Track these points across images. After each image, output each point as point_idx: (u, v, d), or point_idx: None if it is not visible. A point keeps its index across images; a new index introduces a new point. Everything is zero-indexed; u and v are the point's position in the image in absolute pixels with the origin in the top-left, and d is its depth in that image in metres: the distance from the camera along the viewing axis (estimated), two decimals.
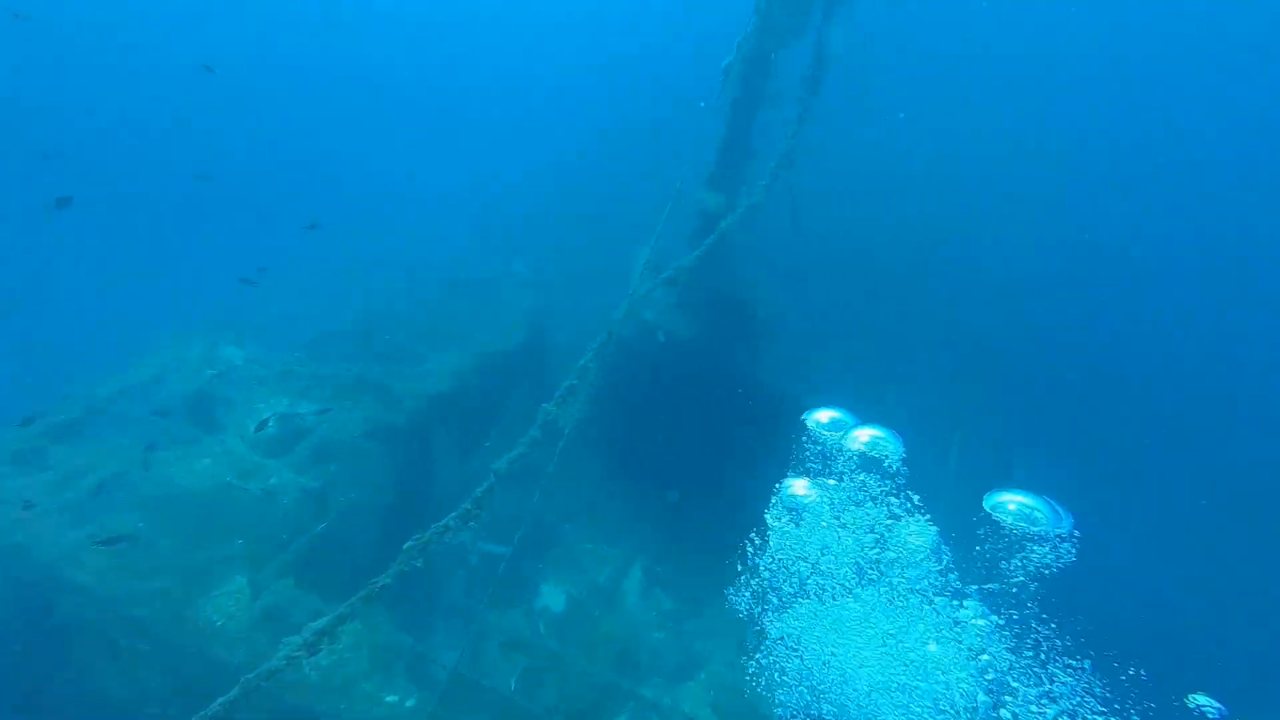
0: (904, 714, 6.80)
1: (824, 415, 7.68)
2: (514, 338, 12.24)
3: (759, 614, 9.37)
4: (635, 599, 11.38)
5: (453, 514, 5.78)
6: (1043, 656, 6.57)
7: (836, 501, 7.52)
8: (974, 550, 6.63)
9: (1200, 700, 6.42)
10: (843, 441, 7.50)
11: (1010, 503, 6.32)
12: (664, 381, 11.53)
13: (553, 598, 11.05)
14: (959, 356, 14.16)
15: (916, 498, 7.03)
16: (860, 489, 7.52)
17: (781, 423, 11.53)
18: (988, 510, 6.34)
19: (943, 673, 6.88)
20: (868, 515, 7.46)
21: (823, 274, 11.96)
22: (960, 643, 6.87)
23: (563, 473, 9.55)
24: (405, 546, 5.46)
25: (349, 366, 10.43)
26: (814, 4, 7.92)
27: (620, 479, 13.02)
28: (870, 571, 7.26)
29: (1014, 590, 6.62)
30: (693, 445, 11.88)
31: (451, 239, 16.98)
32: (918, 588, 7.11)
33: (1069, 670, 6.54)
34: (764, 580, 8.60)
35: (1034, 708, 6.42)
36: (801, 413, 9.67)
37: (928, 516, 7.08)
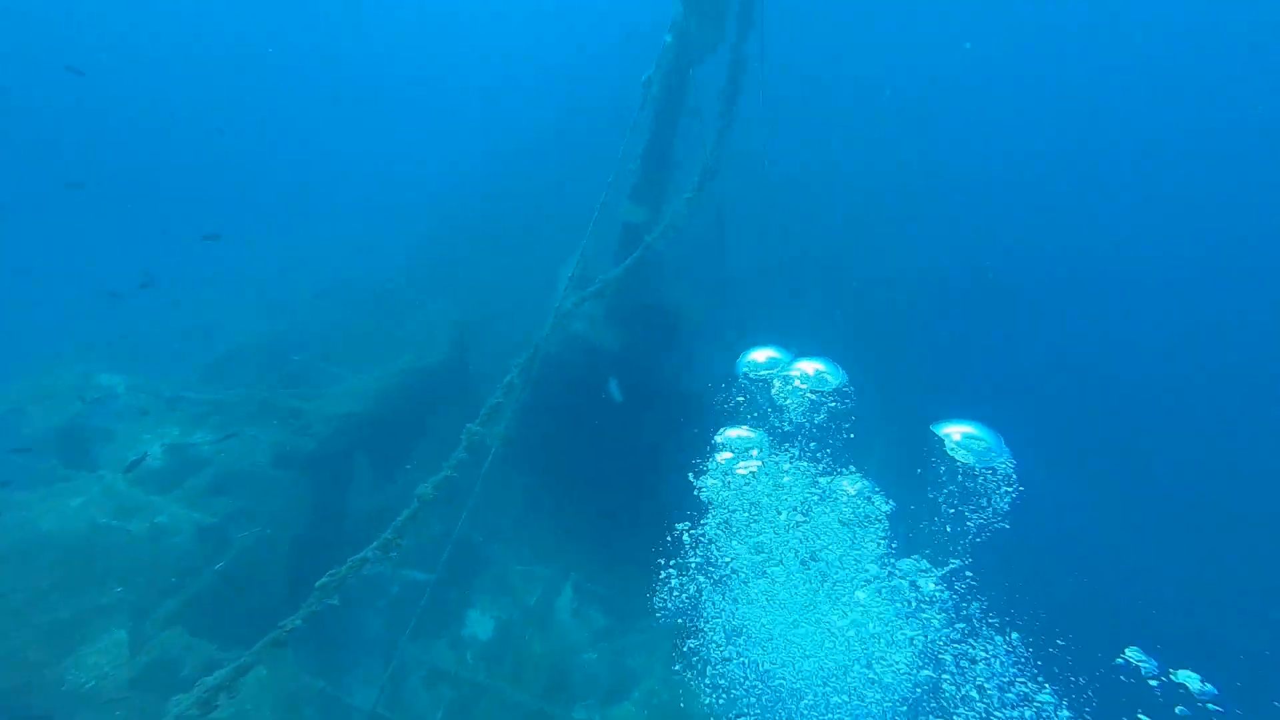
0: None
1: (760, 355, 7.42)
2: (437, 354, 11.74)
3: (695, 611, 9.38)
4: (567, 619, 11.08)
5: (372, 545, 5.39)
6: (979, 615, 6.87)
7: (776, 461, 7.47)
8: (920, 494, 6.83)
9: (1133, 655, 6.76)
10: (783, 376, 7.38)
11: (955, 433, 6.49)
12: (593, 394, 11.39)
13: (480, 624, 10.59)
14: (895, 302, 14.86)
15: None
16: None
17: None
18: (938, 437, 6.50)
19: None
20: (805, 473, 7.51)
21: (751, 280, 12.25)
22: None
23: (490, 492, 9.19)
24: (318, 584, 5.01)
25: (253, 390, 9.63)
26: (728, 20, 8.13)
27: (550, 495, 12.71)
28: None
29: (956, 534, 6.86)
30: (623, 457, 11.78)
31: (367, 252, 16.18)
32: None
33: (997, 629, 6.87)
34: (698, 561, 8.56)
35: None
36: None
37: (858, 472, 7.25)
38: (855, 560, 7.61)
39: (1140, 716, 6.33)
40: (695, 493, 7.71)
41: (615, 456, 11.87)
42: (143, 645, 6.55)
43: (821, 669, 8.04)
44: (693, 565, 10.30)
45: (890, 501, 7.34)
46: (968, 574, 7.23)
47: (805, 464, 7.50)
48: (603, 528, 12.15)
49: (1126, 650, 6.80)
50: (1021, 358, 18.13)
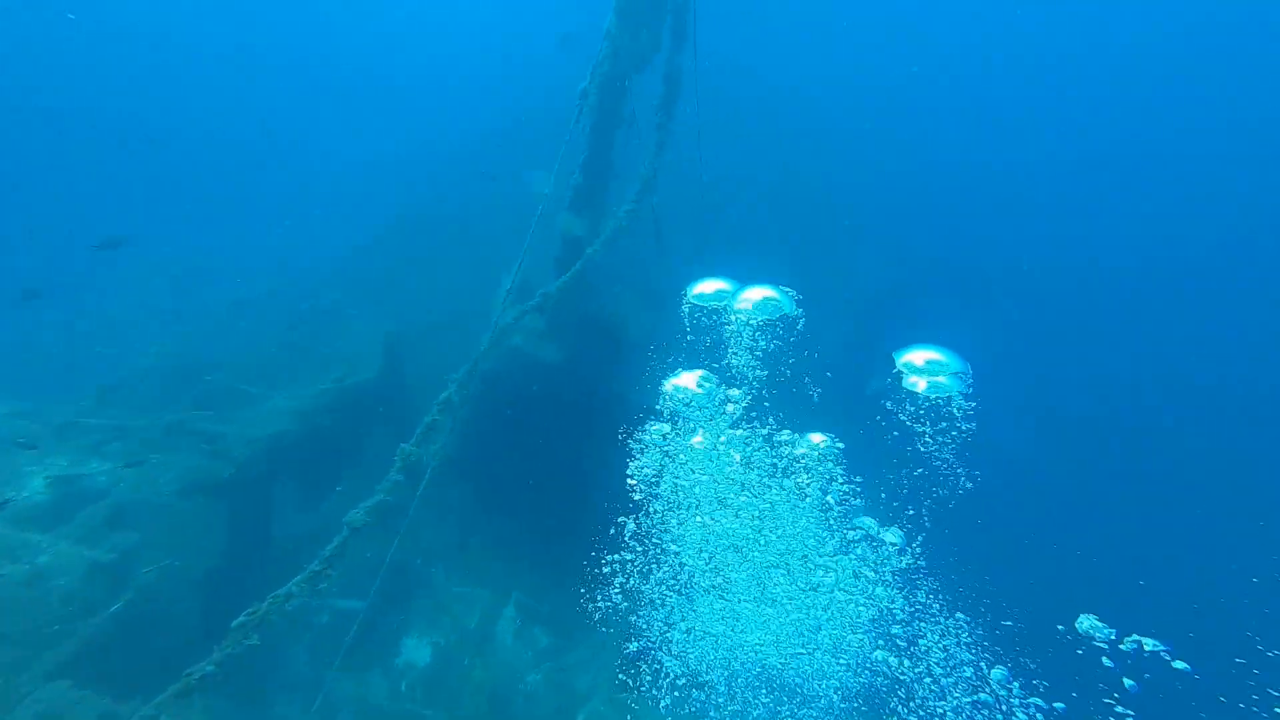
0: None
1: (708, 286, 6.97)
2: (369, 369, 11.18)
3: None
4: (509, 640, 10.72)
5: (297, 577, 4.99)
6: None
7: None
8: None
9: (1089, 623, 6.94)
10: (732, 305, 7.06)
11: (917, 358, 6.44)
12: (531, 408, 11.14)
13: (417, 651, 10.08)
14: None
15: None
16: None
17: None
18: (899, 366, 6.47)
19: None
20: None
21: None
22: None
23: (426, 512, 8.79)
24: (235, 624, 4.58)
25: (160, 414, 8.85)
26: (663, 31, 8.20)
27: (490, 512, 12.31)
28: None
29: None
30: (564, 471, 11.56)
31: (290, 263, 15.29)
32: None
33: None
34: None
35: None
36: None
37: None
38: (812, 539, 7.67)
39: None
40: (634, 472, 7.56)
41: (556, 471, 11.64)
42: (21, 700, 5.82)
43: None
44: (634, 563, 10.23)
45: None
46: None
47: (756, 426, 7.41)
48: (545, 543, 11.87)
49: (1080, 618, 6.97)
50: (991, 287, 18.58)
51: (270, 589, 10.11)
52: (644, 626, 9.84)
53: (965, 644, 7.22)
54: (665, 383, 7.05)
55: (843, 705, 8.13)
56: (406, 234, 17.17)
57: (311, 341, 11.48)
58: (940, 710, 7.16)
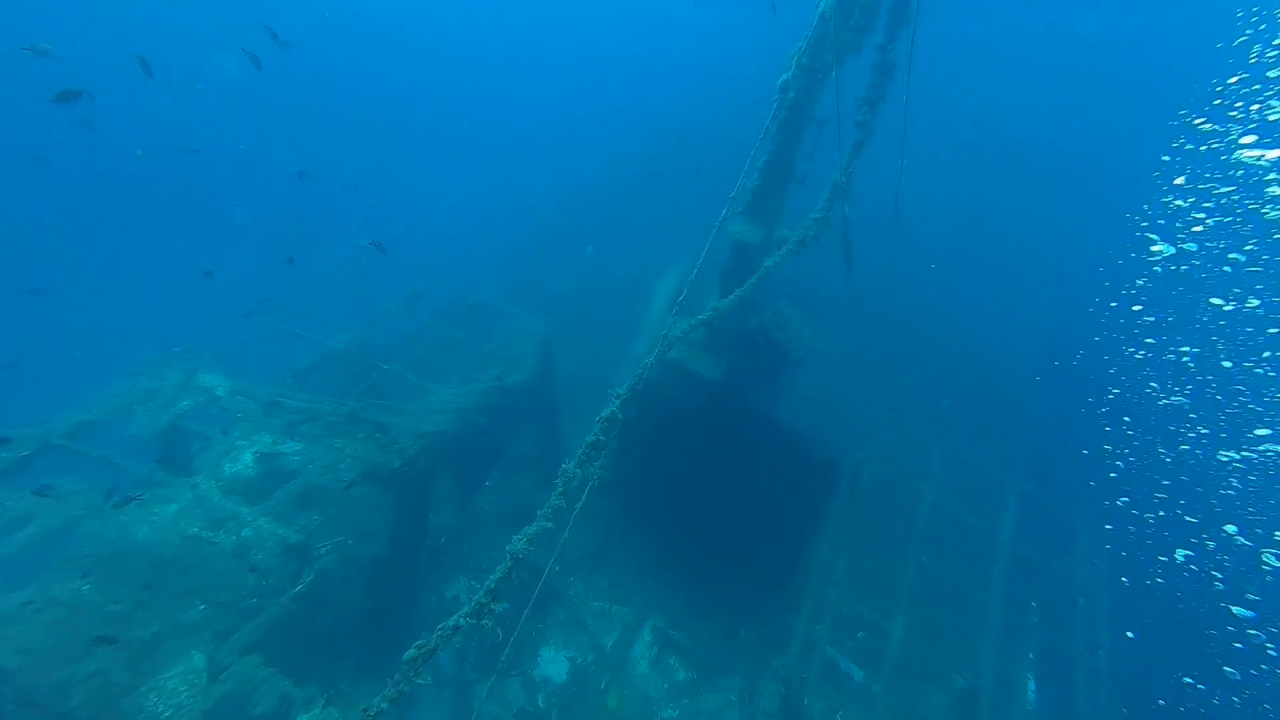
0: None
1: None
2: (523, 370, 11.24)
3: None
4: (645, 668, 10.25)
5: (464, 609, 4.74)
6: None
7: None
8: None
9: None
10: None
11: None
12: (687, 422, 10.52)
13: (554, 665, 9.93)
14: None
15: None
16: None
17: (817, 480, 10.57)
18: None
19: None
20: None
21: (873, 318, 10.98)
22: None
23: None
24: (406, 656, 4.40)
25: (342, 401, 9.41)
26: (878, 16, 7.07)
27: (633, 524, 11.96)
28: None
29: None
30: (717, 494, 10.87)
31: (454, 263, 16.09)
32: None
33: None
34: None
35: None
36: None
37: None
38: None
39: None
40: None
41: (706, 491, 10.98)
42: (220, 673, 6.25)
43: None
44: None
45: None
46: None
47: None
48: (688, 568, 11.28)
49: None
50: None
51: (424, 581, 10.53)
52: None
53: None
54: None
55: None
56: (570, 229, 17.46)
57: (474, 337, 11.78)
58: None
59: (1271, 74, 14.64)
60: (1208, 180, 15.62)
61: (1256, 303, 14.34)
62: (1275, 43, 15.04)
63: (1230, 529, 12.02)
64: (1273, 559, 11.52)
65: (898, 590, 9.11)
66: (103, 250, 22.18)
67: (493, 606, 4.91)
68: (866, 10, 6.79)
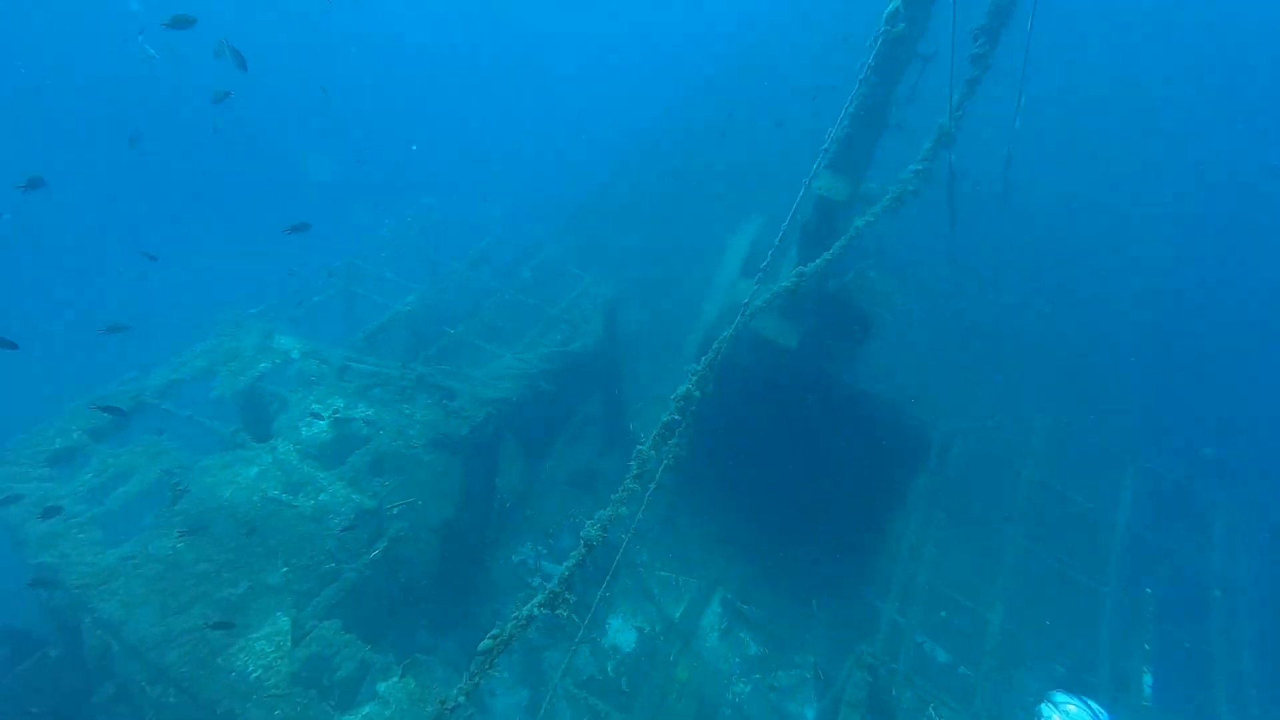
0: None
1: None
2: (588, 335, 10.90)
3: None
4: (715, 640, 10.06)
5: (537, 598, 4.51)
6: None
7: None
8: None
9: None
10: None
11: None
12: (761, 391, 9.95)
13: (622, 635, 9.87)
14: None
15: None
16: None
17: (902, 452, 9.86)
18: None
19: None
20: None
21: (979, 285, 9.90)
22: None
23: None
24: (481, 647, 4.22)
25: (410, 365, 9.37)
26: None
27: (702, 494, 11.65)
28: None
29: None
30: (791, 465, 10.36)
31: (521, 219, 15.76)
32: None
33: None
34: None
35: None
36: None
37: None
38: None
39: None
40: None
41: (780, 462, 10.48)
42: (303, 636, 6.39)
43: None
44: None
45: None
46: None
47: None
48: (759, 540, 10.92)
49: None
50: None
51: (492, 543, 10.60)
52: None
53: None
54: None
55: None
56: (639, 183, 16.75)
57: (539, 300, 11.49)
58: None
59: None
60: None
61: None
62: None
63: None
64: None
65: (995, 574, 8.41)
66: (193, 214, 23.19)
67: (567, 596, 4.66)
68: None
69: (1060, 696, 4.98)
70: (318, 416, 8.44)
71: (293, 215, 8.34)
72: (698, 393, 6.17)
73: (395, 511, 8.43)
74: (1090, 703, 4.98)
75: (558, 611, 4.59)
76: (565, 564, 4.87)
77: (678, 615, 10.10)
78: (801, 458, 10.28)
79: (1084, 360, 11.57)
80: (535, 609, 4.50)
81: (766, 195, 14.02)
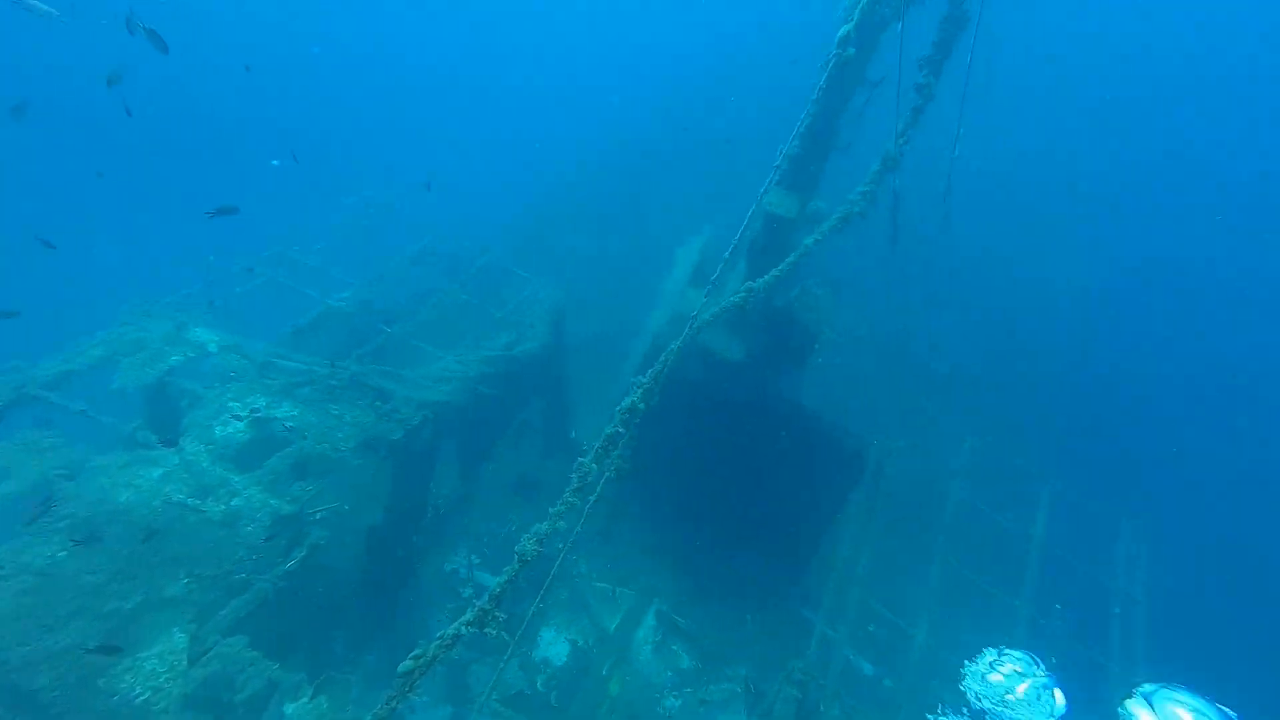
0: None
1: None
2: (533, 339, 10.65)
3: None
4: (649, 653, 9.94)
5: (465, 616, 4.27)
6: None
7: None
8: None
9: None
10: None
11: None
12: (703, 403, 9.96)
13: (554, 647, 9.62)
14: None
15: None
16: None
17: (839, 468, 10.06)
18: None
19: None
20: None
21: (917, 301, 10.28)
22: None
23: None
24: (401, 668, 3.95)
25: (342, 364, 8.86)
26: None
27: (642, 504, 11.55)
28: None
29: None
30: (731, 477, 10.40)
31: (467, 219, 15.33)
32: None
33: None
34: None
35: None
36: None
37: None
38: None
39: None
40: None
41: (721, 474, 10.51)
42: (203, 653, 5.86)
43: None
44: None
45: None
46: None
47: None
48: (697, 552, 10.89)
49: None
50: None
51: (423, 552, 10.14)
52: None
53: None
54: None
55: None
56: (590, 189, 16.58)
57: (485, 301, 11.16)
58: None
59: None
60: None
61: None
62: None
63: None
64: None
65: (922, 590, 8.67)
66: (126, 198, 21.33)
67: (497, 614, 4.44)
68: None
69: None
70: (236, 416, 7.84)
71: (222, 197, 7.75)
72: (642, 405, 6.07)
73: (318, 517, 7.93)
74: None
75: (486, 630, 4.36)
76: (497, 579, 4.66)
77: (613, 627, 9.94)
78: (742, 470, 10.35)
79: (1009, 384, 12.23)
80: (462, 628, 4.26)
81: (718, 208, 14.21)
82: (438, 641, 4.12)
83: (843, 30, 6.33)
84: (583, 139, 18.88)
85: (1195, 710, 4.03)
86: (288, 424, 8.01)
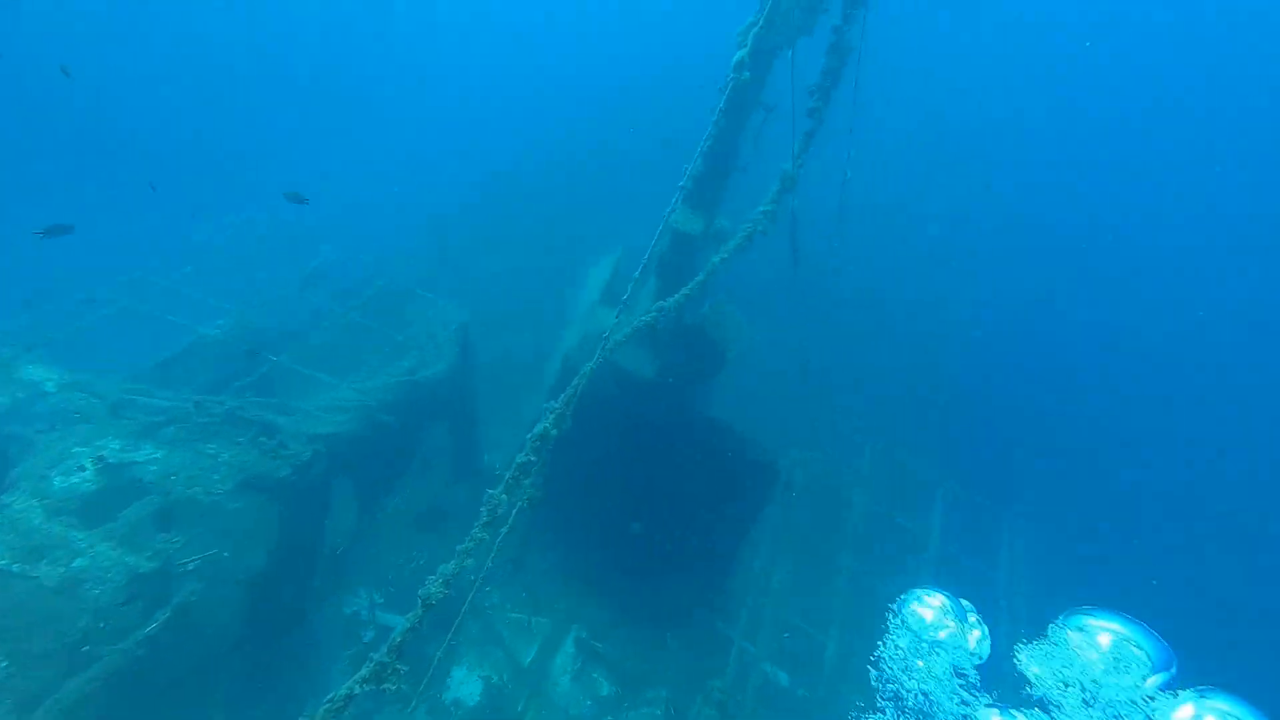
0: None
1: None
2: (438, 363, 10.13)
3: None
4: (567, 684, 9.60)
5: (359, 673, 3.85)
6: None
7: None
8: None
9: None
10: None
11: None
12: (615, 421, 9.86)
13: (466, 687, 9.08)
14: None
15: None
16: None
17: (753, 482, 10.24)
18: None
19: None
20: None
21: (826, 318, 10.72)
22: None
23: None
24: None
25: (218, 399, 8.00)
26: None
27: (555, 529, 11.21)
28: None
29: None
30: (647, 496, 10.32)
31: (362, 239, 14.47)
32: None
33: None
34: None
35: None
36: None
37: None
38: None
39: None
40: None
41: (635, 493, 10.41)
42: None
43: None
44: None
45: None
46: None
47: None
48: (614, 574, 10.69)
49: None
50: None
51: (319, 596, 9.30)
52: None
53: None
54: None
55: None
56: (490, 209, 16.17)
57: (384, 324, 10.51)
58: None
59: None
60: None
61: None
62: None
63: None
64: None
65: (832, 598, 8.95)
66: None
67: (398, 666, 4.05)
68: None
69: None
70: (77, 461, 6.83)
71: (55, 215, 6.79)
72: (555, 432, 5.86)
73: (190, 568, 7.06)
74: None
75: (385, 686, 3.97)
76: (398, 629, 4.27)
77: (528, 660, 9.53)
78: (657, 488, 10.31)
79: (904, 392, 13.08)
80: (357, 685, 3.84)
81: (627, 228, 14.30)
82: (327, 705, 3.69)
83: (738, 55, 6.54)
84: (489, 158, 18.47)
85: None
86: (150, 467, 7.09)
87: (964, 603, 5.58)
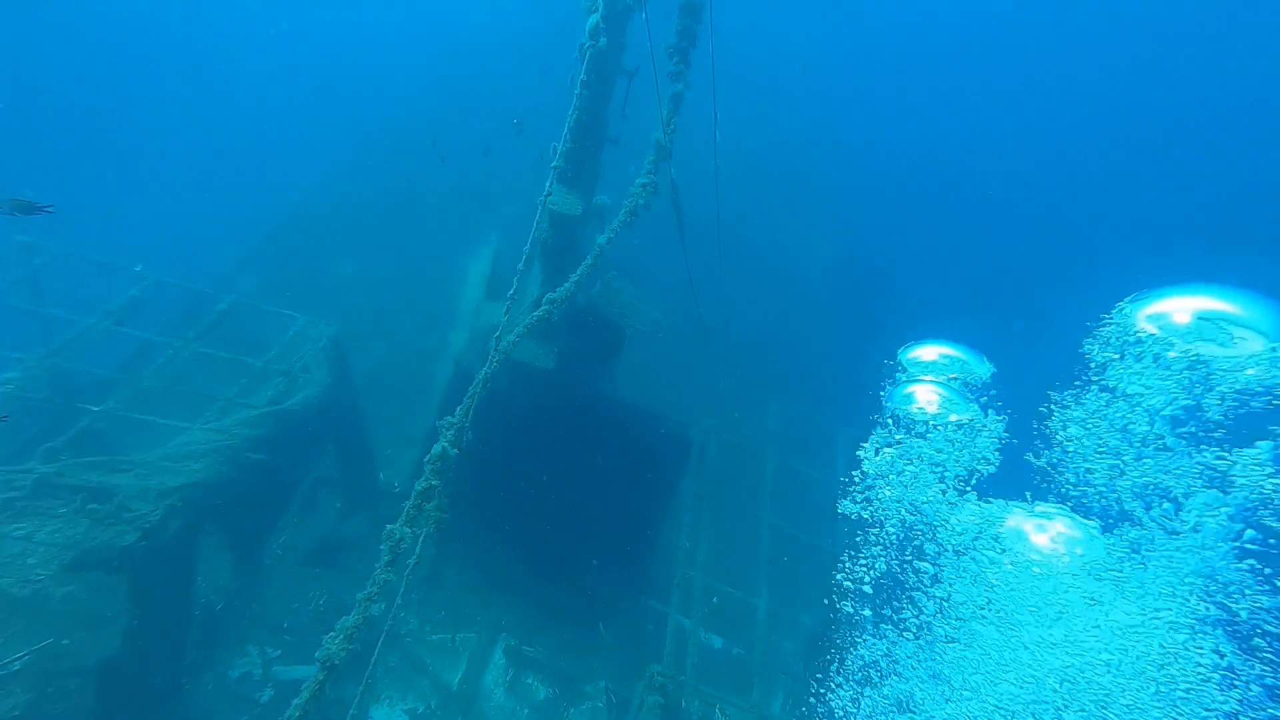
0: None
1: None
2: (309, 385, 9.04)
3: None
4: (501, 696, 9.20)
5: None
6: None
7: None
8: None
9: None
10: None
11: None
12: (520, 418, 9.40)
13: None
14: None
15: None
16: None
17: (666, 457, 10.18)
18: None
19: None
20: None
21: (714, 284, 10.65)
22: None
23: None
24: None
25: (22, 468, 6.58)
26: None
27: (469, 538, 10.59)
28: None
29: None
30: (560, 488, 9.97)
31: (198, 248, 12.57)
32: None
33: None
34: None
35: None
36: None
37: None
38: None
39: None
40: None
41: (549, 487, 10.03)
42: None
43: None
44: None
45: None
46: None
47: None
48: (536, 574, 10.30)
49: None
50: None
51: (196, 665, 8.14)
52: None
53: None
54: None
55: None
56: (337, 211, 14.66)
57: (234, 351, 9.17)
58: None
59: None
60: None
61: None
62: None
63: None
64: None
65: (757, 557, 9.17)
66: None
67: None
68: None
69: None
70: None
71: None
72: (454, 451, 5.33)
73: (15, 668, 5.87)
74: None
75: None
76: (297, 699, 3.68)
77: (456, 680, 8.99)
78: (570, 478, 10.01)
79: (796, 348, 13.64)
80: None
81: (500, 214, 13.52)
82: None
83: (591, 21, 6.15)
84: (328, 150, 16.68)
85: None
86: None
87: None
